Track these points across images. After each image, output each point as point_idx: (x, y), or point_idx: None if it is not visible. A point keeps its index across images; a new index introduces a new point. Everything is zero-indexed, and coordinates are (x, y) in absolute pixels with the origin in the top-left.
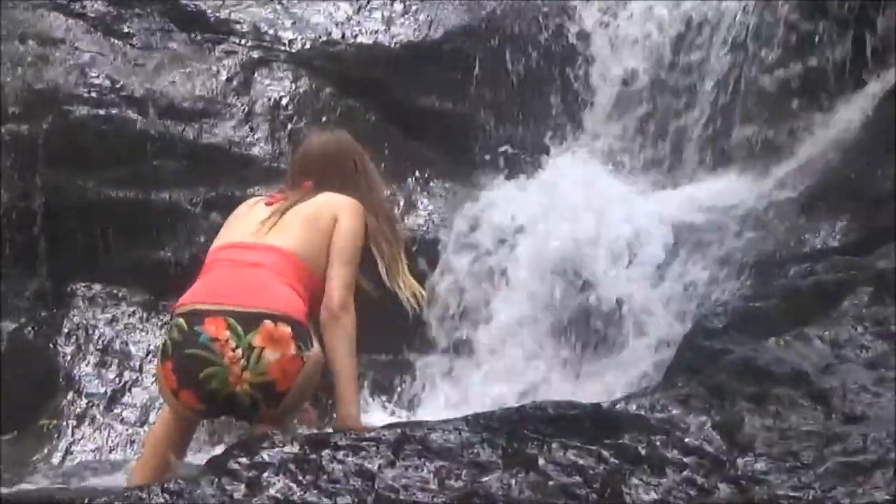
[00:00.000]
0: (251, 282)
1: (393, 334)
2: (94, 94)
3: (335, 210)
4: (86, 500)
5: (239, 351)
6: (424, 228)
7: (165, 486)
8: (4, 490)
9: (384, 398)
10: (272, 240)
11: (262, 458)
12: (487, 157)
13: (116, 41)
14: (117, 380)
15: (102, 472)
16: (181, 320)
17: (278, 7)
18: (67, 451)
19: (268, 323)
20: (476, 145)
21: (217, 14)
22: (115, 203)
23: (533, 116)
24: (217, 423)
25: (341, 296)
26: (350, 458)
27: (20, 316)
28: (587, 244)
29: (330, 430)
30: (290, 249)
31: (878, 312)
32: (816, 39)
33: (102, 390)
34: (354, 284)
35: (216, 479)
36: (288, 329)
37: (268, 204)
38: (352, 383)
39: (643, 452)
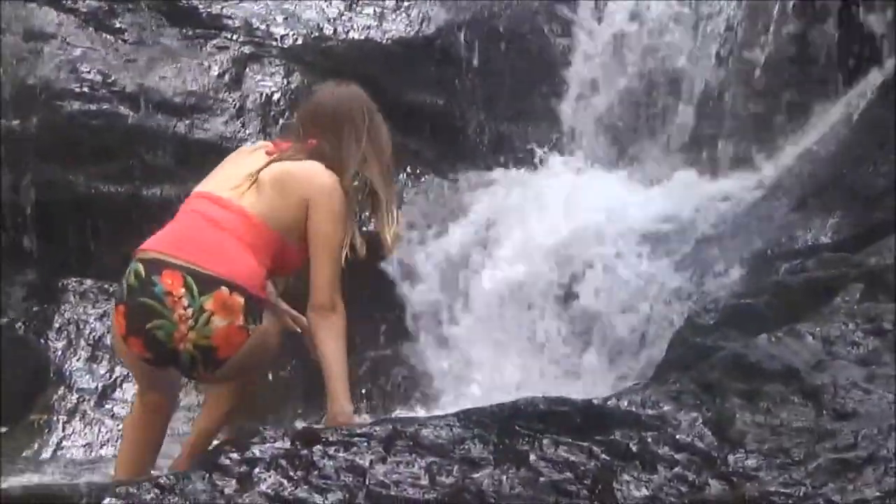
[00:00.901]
0: (216, 244)
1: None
2: (85, 90)
3: (309, 194)
4: (77, 495)
5: (190, 310)
6: (416, 225)
7: (157, 480)
8: None
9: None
10: (247, 202)
11: (252, 453)
12: (479, 153)
13: (108, 36)
14: (108, 375)
15: (93, 466)
16: (140, 266)
17: (270, 3)
18: (58, 446)
19: (224, 289)
20: (468, 142)
21: (209, 9)
22: (106, 198)
23: (524, 114)
24: None
25: (329, 293)
26: (341, 454)
27: (11, 311)
28: (573, 245)
29: (321, 426)
30: (260, 217)
31: (869, 309)
32: (806, 36)
33: (93, 385)
34: (339, 278)
35: (207, 475)
36: (241, 300)
37: (268, 153)
38: (342, 381)
39: (634, 449)
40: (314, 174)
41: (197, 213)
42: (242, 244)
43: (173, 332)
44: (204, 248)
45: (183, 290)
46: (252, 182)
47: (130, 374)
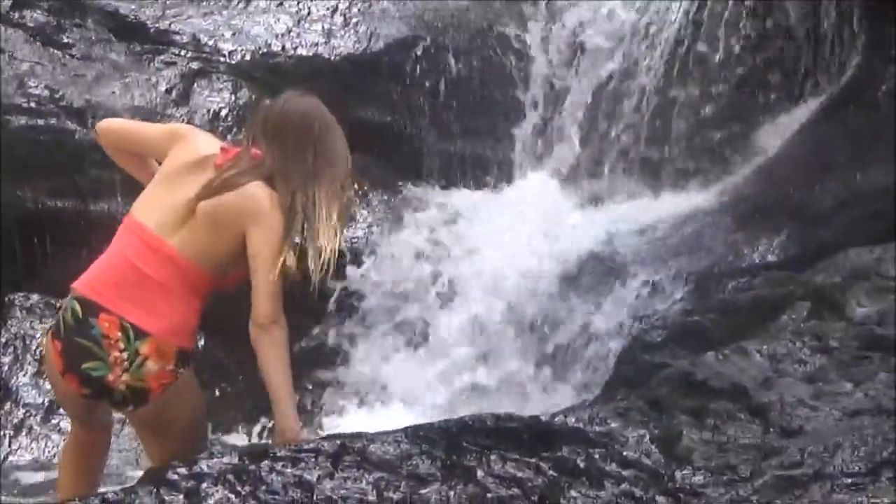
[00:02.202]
0: (148, 299)
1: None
2: (32, 105)
3: (245, 224)
4: None
5: (125, 353)
6: (363, 240)
7: (104, 496)
8: None
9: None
10: (179, 242)
11: (200, 468)
12: (427, 170)
13: (55, 51)
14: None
15: (39, 482)
16: (77, 306)
17: (218, 18)
18: (4, 461)
19: (159, 339)
20: (416, 159)
21: (157, 25)
22: (53, 213)
23: (473, 131)
24: None
25: (270, 308)
26: (289, 470)
27: None
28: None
29: (269, 443)
30: (193, 259)
31: (816, 327)
32: (753, 59)
33: (40, 400)
34: (281, 293)
35: (155, 490)
36: (175, 349)
37: (217, 165)
38: (288, 396)
39: (582, 465)
40: (249, 201)
41: (130, 261)
42: (174, 295)
43: (107, 374)
44: (137, 302)
45: (119, 333)
46: (193, 208)
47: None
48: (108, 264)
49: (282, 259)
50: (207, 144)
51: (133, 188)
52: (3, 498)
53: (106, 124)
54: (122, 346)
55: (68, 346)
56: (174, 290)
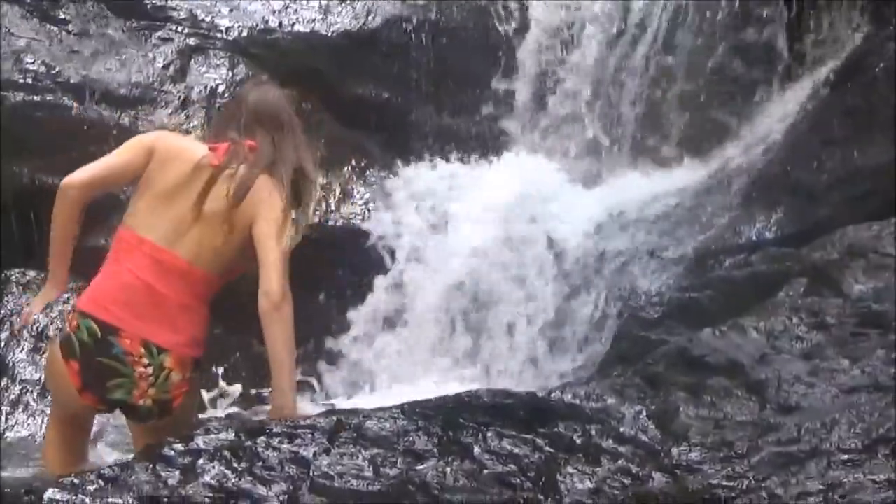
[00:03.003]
0: (168, 314)
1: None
2: (29, 81)
3: (253, 217)
4: (21, 487)
5: (150, 368)
6: (360, 217)
7: (100, 472)
8: None
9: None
10: (190, 251)
11: (196, 444)
12: (424, 146)
13: (52, 27)
14: None
15: (36, 458)
16: (94, 325)
17: None
18: (1, 437)
19: (180, 352)
20: (413, 135)
21: (153, 1)
22: (49, 190)
23: (470, 107)
24: None
25: (280, 285)
26: (285, 446)
27: None
28: (512, 244)
29: (266, 418)
30: (205, 268)
31: (813, 304)
32: (751, 34)
33: (36, 377)
34: (288, 270)
35: (151, 466)
36: (192, 359)
37: (214, 166)
38: (289, 373)
39: (578, 441)
40: (256, 194)
41: (142, 280)
42: (188, 308)
43: (133, 390)
44: (154, 320)
45: (142, 349)
46: (198, 214)
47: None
48: (117, 284)
49: (288, 236)
50: (189, 148)
51: None
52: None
53: (76, 181)
54: (146, 361)
55: (88, 366)
56: (188, 303)
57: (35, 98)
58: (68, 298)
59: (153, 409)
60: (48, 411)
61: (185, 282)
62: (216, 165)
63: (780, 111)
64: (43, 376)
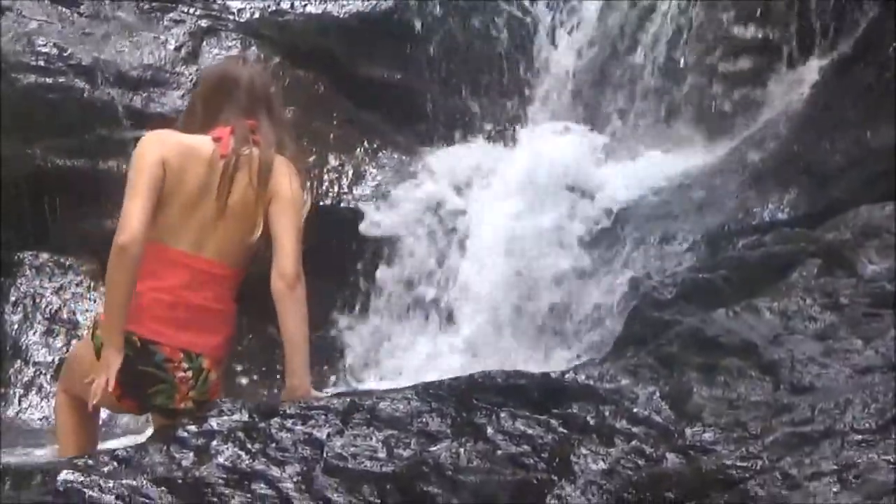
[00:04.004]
0: (204, 320)
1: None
2: (41, 63)
3: (272, 190)
4: (35, 469)
5: (190, 372)
6: (372, 198)
7: (115, 453)
8: None
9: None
10: (217, 251)
11: (210, 426)
12: (436, 127)
13: (64, 9)
14: (65, 348)
15: (49, 440)
16: (135, 338)
17: None
18: (15, 419)
19: (216, 354)
20: (425, 115)
21: None
22: (62, 172)
23: (483, 88)
24: None
25: (295, 266)
26: (299, 427)
27: None
28: (526, 224)
29: (279, 400)
30: (232, 264)
31: (826, 284)
32: (765, 14)
33: (49, 359)
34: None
35: (165, 447)
36: (225, 357)
37: (223, 156)
38: (303, 354)
39: (592, 422)
40: (275, 174)
41: (177, 295)
42: (222, 312)
43: (174, 395)
44: (192, 328)
45: (182, 355)
46: (222, 208)
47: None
48: (153, 301)
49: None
50: (194, 146)
51: None
52: (12, 456)
53: (137, 235)
54: (185, 366)
55: (128, 375)
56: (221, 305)
57: (47, 80)
58: (81, 281)
59: (192, 411)
60: None
61: (218, 284)
62: (226, 154)
63: (792, 93)
64: (56, 358)
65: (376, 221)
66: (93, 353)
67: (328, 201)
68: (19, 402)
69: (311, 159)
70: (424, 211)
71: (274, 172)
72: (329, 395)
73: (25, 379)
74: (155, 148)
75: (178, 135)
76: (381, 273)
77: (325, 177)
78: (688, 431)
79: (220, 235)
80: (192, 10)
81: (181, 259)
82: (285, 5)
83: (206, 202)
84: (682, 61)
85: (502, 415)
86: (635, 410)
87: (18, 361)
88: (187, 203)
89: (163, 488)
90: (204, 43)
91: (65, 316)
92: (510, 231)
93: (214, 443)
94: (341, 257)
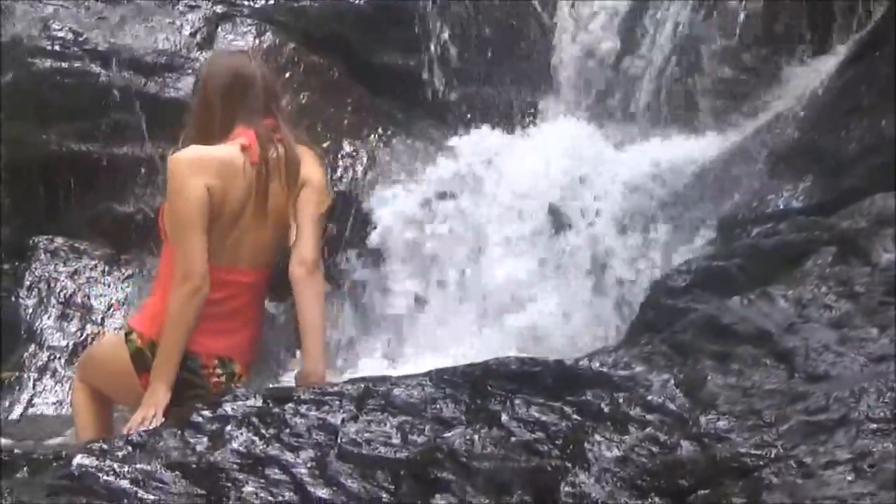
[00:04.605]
0: (236, 328)
1: None
2: (56, 48)
3: (303, 177)
4: (50, 453)
5: (223, 377)
6: (386, 184)
7: (129, 438)
8: None
9: None
10: (252, 259)
11: (224, 411)
12: (450, 114)
13: None
14: (79, 333)
15: (64, 424)
16: None
17: None
18: (29, 403)
19: (247, 359)
20: (439, 103)
21: None
22: (76, 156)
23: (497, 76)
24: None
25: (315, 253)
26: (313, 413)
27: None
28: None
29: (293, 385)
30: (263, 268)
31: (842, 272)
32: (782, 3)
33: (64, 343)
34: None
35: (179, 432)
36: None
37: (253, 163)
38: (320, 339)
39: (606, 409)
40: (304, 165)
41: (212, 308)
42: (254, 316)
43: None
44: (224, 338)
45: (216, 361)
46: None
47: (101, 333)
48: (213, 310)
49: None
50: (225, 160)
51: (156, 132)
52: (27, 440)
53: (202, 271)
54: (219, 371)
55: None
56: (253, 312)
57: (62, 65)
58: (95, 265)
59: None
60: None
61: (251, 290)
62: (256, 163)
63: (806, 80)
64: (71, 343)
65: (391, 208)
66: (123, 356)
67: (342, 187)
68: (33, 386)
69: (326, 145)
70: (439, 197)
71: (303, 164)
72: (343, 380)
73: (39, 363)
74: (198, 175)
75: (212, 152)
76: (395, 259)
77: (340, 163)
78: (702, 419)
79: (257, 243)
80: None
81: (220, 276)
82: None
83: (244, 215)
84: (699, 50)
85: (517, 401)
86: (649, 398)
87: (33, 346)
88: (228, 222)
89: (177, 473)
90: (219, 29)
91: (79, 300)
92: (520, 218)
93: (229, 428)
94: (356, 242)
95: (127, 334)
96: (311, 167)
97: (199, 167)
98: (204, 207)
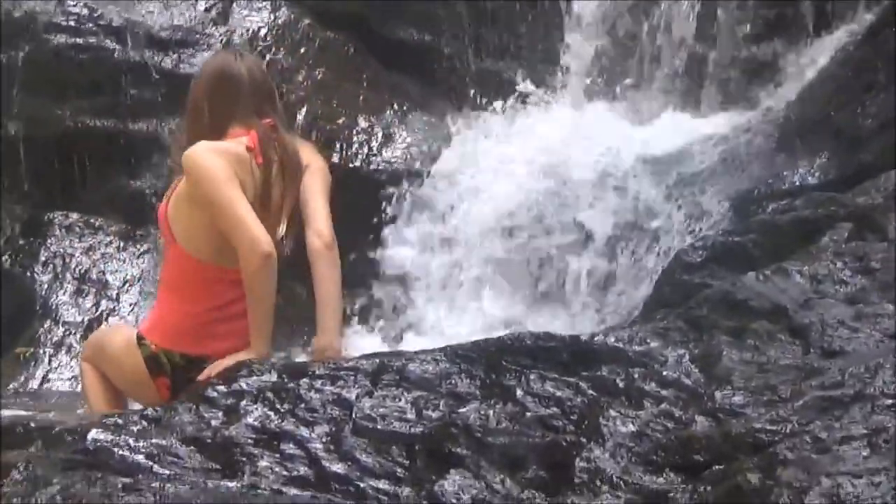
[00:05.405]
0: (245, 327)
1: None
2: (72, 23)
3: (304, 165)
4: (65, 427)
5: None
6: (402, 160)
7: (143, 412)
8: None
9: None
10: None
11: (239, 386)
12: (468, 90)
13: None
14: (94, 309)
15: (78, 400)
16: (184, 356)
17: None
18: (44, 379)
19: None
20: (456, 79)
21: None
22: (92, 132)
23: (514, 51)
24: None
25: (330, 228)
26: (328, 388)
27: None
28: (557, 183)
29: (308, 360)
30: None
31: (857, 248)
32: None
33: (79, 319)
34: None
35: (194, 407)
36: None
37: (259, 164)
38: (336, 313)
39: (621, 385)
40: (303, 156)
41: (224, 312)
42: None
43: None
44: (238, 338)
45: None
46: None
47: (116, 309)
48: (199, 322)
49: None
50: (240, 160)
51: (172, 108)
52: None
53: (269, 243)
54: None
55: (180, 383)
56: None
57: (78, 41)
58: (111, 241)
59: None
60: None
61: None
62: (261, 164)
63: (822, 56)
64: (86, 319)
65: (408, 185)
66: (136, 358)
67: (357, 163)
68: (49, 362)
69: (341, 121)
70: (455, 173)
71: (302, 154)
72: (358, 355)
73: (55, 339)
74: (222, 160)
75: (226, 146)
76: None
77: (355, 139)
78: (717, 394)
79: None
80: None
81: (230, 276)
82: None
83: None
84: (713, 23)
85: (531, 377)
86: (665, 373)
87: (48, 321)
88: None
89: (192, 448)
90: (234, 4)
91: (94, 276)
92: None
93: (243, 403)
94: (371, 217)
95: (139, 339)
96: (311, 155)
97: (219, 153)
98: (236, 181)
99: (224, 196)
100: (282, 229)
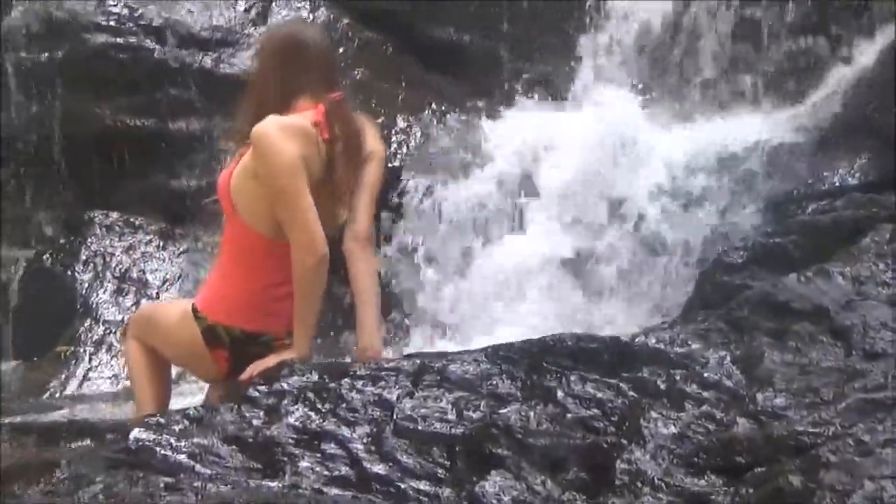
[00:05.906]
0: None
1: None
2: (112, 23)
3: (369, 153)
4: (108, 427)
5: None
6: (440, 159)
7: (186, 412)
8: (18, 418)
9: None
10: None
11: (281, 386)
12: (504, 89)
13: None
14: (134, 307)
15: (119, 398)
16: (244, 331)
17: None
18: (85, 378)
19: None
20: (493, 78)
21: None
22: (132, 131)
23: (551, 50)
24: None
25: (369, 225)
26: (369, 388)
27: (38, 243)
28: (599, 185)
29: (350, 361)
30: (329, 237)
31: None
32: None
33: (119, 317)
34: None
35: (236, 406)
36: None
37: (325, 140)
38: (376, 312)
39: (662, 386)
40: (367, 137)
41: (282, 288)
42: None
43: None
44: (291, 311)
45: (285, 332)
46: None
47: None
48: (257, 299)
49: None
50: (308, 136)
51: (211, 107)
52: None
53: (324, 242)
54: (287, 342)
55: (238, 356)
56: None
57: (118, 40)
58: (150, 240)
59: None
60: None
61: None
62: (327, 140)
63: (862, 58)
64: (126, 317)
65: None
66: (192, 330)
67: (396, 163)
68: (90, 360)
69: (380, 121)
70: (493, 175)
71: (367, 137)
72: (399, 356)
73: (95, 337)
74: (290, 141)
75: (294, 122)
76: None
77: (393, 138)
78: (759, 396)
79: (324, 220)
80: None
81: (283, 249)
82: None
83: (315, 192)
84: (751, 23)
85: (572, 378)
86: (706, 375)
87: (88, 320)
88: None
89: (233, 447)
90: (273, 4)
91: (134, 275)
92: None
93: (285, 403)
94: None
95: (195, 311)
96: (375, 141)
97: (289, 133)
98: (304, 171)
99: (289, 187)
100: (344, 213)
